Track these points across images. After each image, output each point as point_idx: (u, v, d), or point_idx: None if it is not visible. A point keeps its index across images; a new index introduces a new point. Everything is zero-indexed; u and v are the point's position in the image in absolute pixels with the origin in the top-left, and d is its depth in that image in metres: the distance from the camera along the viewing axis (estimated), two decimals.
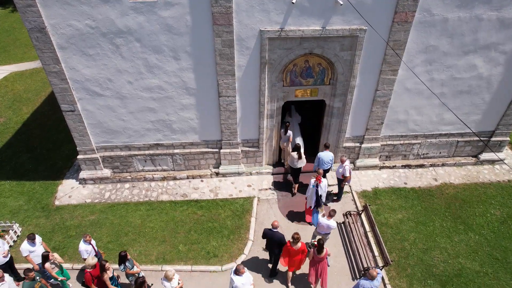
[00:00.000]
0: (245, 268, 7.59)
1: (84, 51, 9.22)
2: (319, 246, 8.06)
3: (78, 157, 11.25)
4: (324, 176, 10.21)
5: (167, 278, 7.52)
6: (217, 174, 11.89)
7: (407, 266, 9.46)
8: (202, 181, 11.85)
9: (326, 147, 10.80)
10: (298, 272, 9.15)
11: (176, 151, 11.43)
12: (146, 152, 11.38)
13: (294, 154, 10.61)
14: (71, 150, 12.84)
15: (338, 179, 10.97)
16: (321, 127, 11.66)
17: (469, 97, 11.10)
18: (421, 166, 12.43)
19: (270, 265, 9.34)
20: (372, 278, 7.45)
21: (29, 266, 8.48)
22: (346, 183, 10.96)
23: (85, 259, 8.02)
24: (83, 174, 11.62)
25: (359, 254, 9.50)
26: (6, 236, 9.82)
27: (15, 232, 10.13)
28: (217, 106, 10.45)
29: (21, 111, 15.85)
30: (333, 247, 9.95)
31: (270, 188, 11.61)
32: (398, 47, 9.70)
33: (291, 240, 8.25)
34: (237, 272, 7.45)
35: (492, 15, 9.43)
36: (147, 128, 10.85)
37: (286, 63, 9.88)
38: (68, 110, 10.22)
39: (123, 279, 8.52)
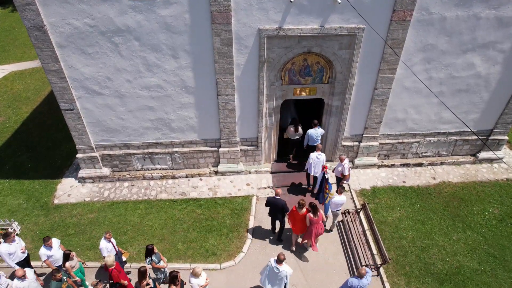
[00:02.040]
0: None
1: (83, 49, 9.24)
2: (313, 209, 8.71)
3: (77, 155, 11.27)
4: (312, 151, 10.84)
5: (195, 275, 7.51)
6: (216, 172, 11.91)
7: (405, 264, 9.48)
8: (201, 179, 11.87)
9: (315, 124, 11.15)
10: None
11: (175, 149, 11.45)
12: (145, 150, 11.40)
13: (291, 127, 11.40)
14: (71, 149, 12.83)
15: (337, 177, 11.01)
16: (320, 125, 11.66)
17: (468, 96, 11.13)
18: (420, 164, 12.45)
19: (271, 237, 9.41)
20: (360, 276, 7.48)
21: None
22: (345, 182, 10.98)
23: (105, 257, 8.01)
24: (82, 173, 11.64)
25: (357, 252, 9.53)
26: None
27: (14, 230, 10.15)
28: (216, 104, 10.47)
29: (21, 110, 15.87)
30: (332, 245, 9.99)
31: (269, 187, 11.63)
32: (396, 46, 9.72)
33: (297, 205, 8.91)
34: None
35: (490, 13, 9.45)
36: (146, 127, 10.87)
37: (284, 61, 9.90)
38: (67, 109, 10.24)
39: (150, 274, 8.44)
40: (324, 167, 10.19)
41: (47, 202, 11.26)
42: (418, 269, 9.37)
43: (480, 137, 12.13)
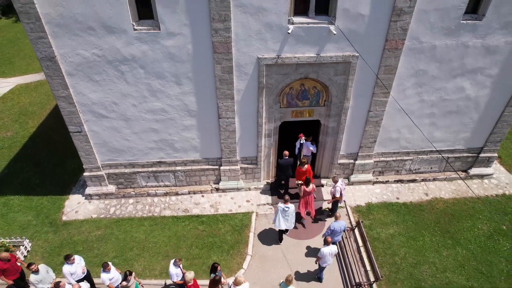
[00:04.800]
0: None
1: (91, 77, 9.72)
2: (306, 180, 10.53)
3: (84, 174, 11.77)
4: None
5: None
6: (217, 189, 12.41)
7: (397, 280, 9.99)
8: (203, 196, 12.37)
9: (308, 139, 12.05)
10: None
11: (178, 168, 11.95)
12: (149, 169, 11.90)
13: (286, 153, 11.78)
14: (77, 165, 13.33)
15: (332, 196, 11.47)
16: (317, 145, 12.16)
17: (458, 117, 11.62)
18: (413, 181, 12.96)
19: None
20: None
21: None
22: (339, 203, 11.42)
23: (174, 282, 8.69)
24: (89, 190, 12.14)
25: (351, 269, 10.03)
26: (17, 252, 10.36)
27: (25, 247, 10.65)
28: (217, 126, 10.96)
29: (27, 125, 16.35)
30: None
31: (268, 203, 12.13)
32: (389, 72, 10.21)
33: (299, 163, 11.36)
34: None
35: (477, 42, 9.94)
36: (150, 147, 11.36)
37: (282, 86, 10.39)
38: (75, 131, 10.73)
39: None
40: (299, 136, 11.65)
41: (56, 219, 11.75)
42: (409, 285, 9.87)
43: (471, 154, 12.63)
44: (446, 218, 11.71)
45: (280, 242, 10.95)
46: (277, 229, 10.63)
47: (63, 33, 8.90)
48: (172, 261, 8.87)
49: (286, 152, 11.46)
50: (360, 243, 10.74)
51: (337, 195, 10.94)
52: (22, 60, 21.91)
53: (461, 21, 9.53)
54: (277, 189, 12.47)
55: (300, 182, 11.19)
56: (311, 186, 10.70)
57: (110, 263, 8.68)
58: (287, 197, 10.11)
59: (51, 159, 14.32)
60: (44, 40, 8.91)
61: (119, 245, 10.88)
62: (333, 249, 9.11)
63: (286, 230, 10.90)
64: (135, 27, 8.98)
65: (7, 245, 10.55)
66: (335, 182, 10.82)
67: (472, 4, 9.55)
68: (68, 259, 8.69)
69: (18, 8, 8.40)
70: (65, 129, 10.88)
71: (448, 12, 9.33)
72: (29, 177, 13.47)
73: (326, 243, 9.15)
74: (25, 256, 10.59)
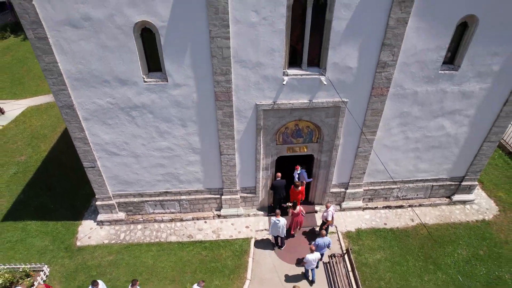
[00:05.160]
0: None
1: (105, 121, 10.74)
2: (294, 204, 12.09)
3: (97, 203, 12.80)
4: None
5: None
6: (219, 216, 13.45)
7: None
8: (205, 222, 13.41)
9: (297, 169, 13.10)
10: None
11: (182, 197, 12.98)
12: (156, 198, 12.93)
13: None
14: (88, 190, 14.27)
15: (322, 221, 12.53)
16: (310, 175, 13.19)
17: (440, 151, 12.64)
18: (400, 206, 13.99)
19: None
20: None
21: None
22: (330, 226, 12.51)
23: None
24: (100, 217, 13.17)
25: None
26: (38, 277, 11.40)
27: (45, 273, 11.69)
28: (219, 162, 11.98)
29: (40, 149, 17.36)
30: (319, 285, 11.52)
31: (265, 229, 13.16)
32: (376, 114, 11.23)
33: (294, 186, 12.28)
34: None
35: (455, 88, 10.95)
36: (157, 179, 12.39)
37: (278, 127, 11.41)
38: (89, 167, 11.76)
39: None
40: (296, 167, 12.77)
41: (70, 244, 12.79)
42: None
43: (453, 183, 13.67)
44: (429, 243, 12.74)
45: (275, 247, 12.65)
46: (271, 237, 12.61)
47: (81, 86, 9.92)
48: (196, 284, 10.12)
49: (279, 174, 12.67)
50: (349, 268, 11.78)
51: (329, 219, 12.03)
52: (32, 81, 22.89)
53: (439, 71, 10.54)
54: (273, 211, 13.38)
55: (289, 204, 12.39)
56: (298, 208, 12.22)
57: (101, 283, 9.87)
58: (278, 211, 11.78)
59: (63, 184, 15.34)
60: (64, 92, 9.93)
61: (129, 270, 11.92)
62: (316, 255, 10.85)
63: (281, 240, 12.47)
64: (145, 80, 10.00)
65: (27, 271, 11.59)
66: (327, 207, 11.95)
67: (449, 56, 10.57)
68: (95, 285, 9.75)
69: (43, 66, 9.42)
70: (75, 153, 11.83)
71: (427, 64, 10.34)
72: (44, 202, 14.49)
73: (310, 251, 10.76)
74: (44, 281, 11.63)
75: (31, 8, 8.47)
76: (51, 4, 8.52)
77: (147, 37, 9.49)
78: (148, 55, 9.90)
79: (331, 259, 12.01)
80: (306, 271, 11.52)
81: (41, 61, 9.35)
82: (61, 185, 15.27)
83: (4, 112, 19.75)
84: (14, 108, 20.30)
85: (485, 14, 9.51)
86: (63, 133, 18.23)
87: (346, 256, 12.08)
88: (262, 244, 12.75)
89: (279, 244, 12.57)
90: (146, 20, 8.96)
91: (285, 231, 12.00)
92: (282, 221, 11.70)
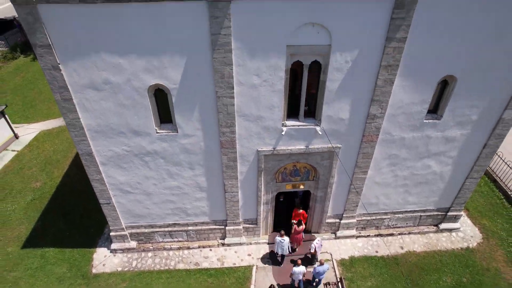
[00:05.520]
0: None
1: (120, 165, 11.84)
2: (298, 222, 13.35)
3: (111, 234, 13.91)
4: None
5: None
6: (223, 244, 14.56)
7: None
8: (211, 250, 14.52)
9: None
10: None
11: (189, 228, 14.09)
12: (166, 229, 14.04)
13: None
14: (100, 218, 15.32)
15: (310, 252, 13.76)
16: (308, 208, 14.30)
17: (427, 186, 13.73)
18: (391, 234, 15.09)
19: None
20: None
21: None
22: (315, 256, 13.77)
23: None
24: (114, 246, 14.29)
25: None
26: None
27: None
28: (223, 198, 13.08)
29: (53, 175, 18.46)
30: None
31: (266, 257, 14.28)
32: (367, 157, 12.30)
33: (295, 222, 13.51)
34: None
35: (438, 134, 12.03)
36: (167, 213, 13.50)
37: (278, 168, 12.51)
38: (105, 203, 12.86)
39: None
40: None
41: (87, 272, 13.90)
42: None
43: (440, 213, 14.78)
44: (417, 271, 13.84)
45: (280, 265, 13.93)
46: (278, 255, 13.93)
47: (100, 136, 11.02)
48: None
49: (283, 232, 13.20)
50: None
51: (312, 251, 13.41)
52: (43, 104, 23.98)
53: (424, 120, 11.61)
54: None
55: (294, 221, 13.62)
56: (302, 226, 13.55)
57: None
58: (282, 232, 13.18)
59: (77, 210, 16.45)
60: (85, 142, 11.02)
61: None
62: (302, 269, 12.35)
63: (283, 256, 13.85)
64: (158, 131, 11.09)
65: None
66: (313, 239, 13.35)
67: (434, 105, 11.65)
68: None
69: (68, 122, 10.50)
70: (86, 180, 12.85)
71: (413, 115, 11.41)
72: (60, 229, 15.60)
73: (296, 264, 12.33)
74: None
75: (59, 76, 9.56)
76: (76, 72, 9.61)
77: (160, 95, 10.57)
78: (160, 108, 10.98)
79: (326, 287, 13.12)
80: (293, 281, 12.80)
81: (65, 118, 10.44)
82: (74, 212, 16.37)
83: (18, 137, 20.85)
84: (27, 132, 21.40)
85: (463, 74, 10.57)
86: (74, 158, 19.32)
87: (340, 284, 13.19)
88: (263, 271, 13.86)
89: (280, 261, 13.93)
90: (159, 83, 10.04)
91: (289, 249, 13.50)
92: (286, 240, 13.18)
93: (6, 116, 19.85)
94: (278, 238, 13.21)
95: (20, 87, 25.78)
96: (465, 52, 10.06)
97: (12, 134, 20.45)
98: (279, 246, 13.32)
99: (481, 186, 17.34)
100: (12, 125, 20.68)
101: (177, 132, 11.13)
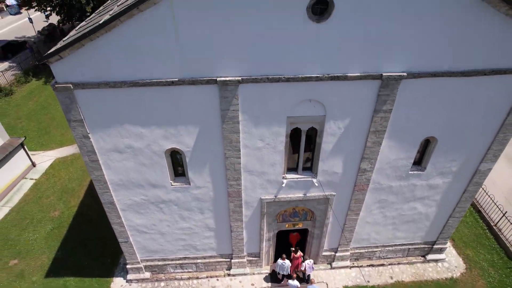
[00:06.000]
0: None
1: (138, 211, 13.26)
2: (296, 250, 14.99)
3: (127, 266, 15.35)
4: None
5: None
6: (229, 274, 16.00)
7: None
8: (217, 280, 15.96)
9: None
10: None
11: (198, 260, 15.54)
12: (177, 261, 15.48)
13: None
14: (116, 247, 16.74)
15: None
16: (305, 243, 15.74)
17: (414, 224, 15.15)
18: (382, 265, 16.52)
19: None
20: None
21: None
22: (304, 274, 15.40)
23: None
24: (130, 277, 15.73)
25: None
26: None
27: None
28: (229, 236, 14.51)
29: (70, 204, 19.85)
30: None
31: (267, 279, 15.74)
32: (359, 202, 13.72)
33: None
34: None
35: (423, 183, 13.44)
36: (178, 249, 14.93)
37: (279, 212, 13.94)
38: (123, 242, 14.29)
39: None
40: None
41: None
42: None
43: (426, 246, 16.21)
44: None
45: (281, 282, 15.64)
46: (279, 274, 15.56)
47: (121, 188, 12.43)
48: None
49: (284, 255, 14.92)
50: None
51: (302, 269, 15.06)
52: (57, 130, 25.34)
53: (410, 172, 13.02)
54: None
55: (293, 249, 15.23)
56: (299, 253, 15.18)
57: None
58: (284, 255, 14.93)
59: (94, 240, 17.85)
60: (107, 193, 12.43)
61: None
62: (296, 283, 14.26)
63: (284, 276, 15.48)
64: (172, 184, 12.51)
65: None
66: (304, 260, 15.16)
67: (418, 159, 13.05)
68: None
69: (94, 178, 11.91)
70: (101, 209, 14.21)
71: (399, 168, 12.82)
72: (79, 258, 17.00)
73: (291, 278, 14.28)
74: None
75: (88, 143, 10.96)
76: (103, 139, 11.01)
77: (174, 154, 11.98)
78: (175, 164, 12.39)
79: None
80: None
81: (92, 174, 11.84)
82: (91, 241, 17.77)
83: (35, 165, 22.24)
84: (44, 160, 22.79)
85: (441, 135, 11.96)
86: (89, 187, 20.71)
87: None
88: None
89: (281, 279, 15.59)
90: (175, 147, 11.44)
91: (289, 271, 15.15)
92: (287, 263, 14.98)
93: (25, 147, 21.22)
94: (280, 261, 14.93)
95: (34, 112, 27.12)
96: (442, 118, 11.44)
97: (30, 163, 21.84)
98: (280, 269, 15.08)
99: (467, 217, 18.75)
100: (29, 153, 22.04)
101: (190, 184, 12.54)
